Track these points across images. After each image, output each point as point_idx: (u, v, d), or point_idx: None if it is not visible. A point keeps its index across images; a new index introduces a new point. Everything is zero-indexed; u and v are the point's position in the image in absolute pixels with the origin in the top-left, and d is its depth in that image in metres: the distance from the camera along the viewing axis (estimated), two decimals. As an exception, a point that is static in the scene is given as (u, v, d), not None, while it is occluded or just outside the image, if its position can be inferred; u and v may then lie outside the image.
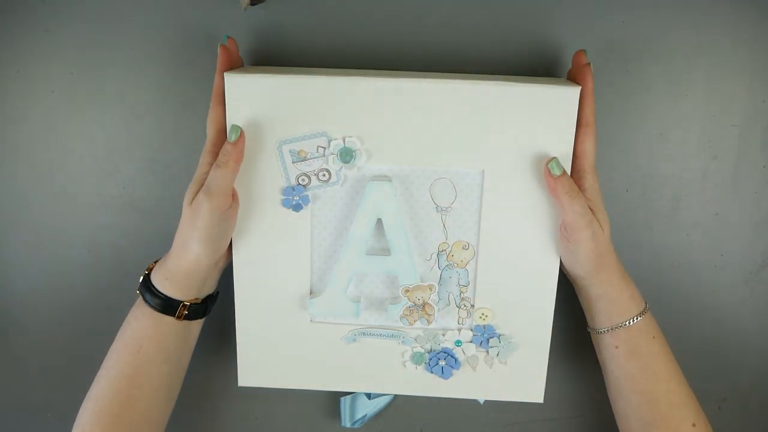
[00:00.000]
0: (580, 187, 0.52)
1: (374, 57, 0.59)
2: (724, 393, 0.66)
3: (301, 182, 0.54)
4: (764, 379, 0.65)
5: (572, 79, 0.54)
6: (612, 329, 0.54)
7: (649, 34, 0.58)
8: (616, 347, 0.55)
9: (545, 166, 0.51)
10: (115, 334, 0.56)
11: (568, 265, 0.54)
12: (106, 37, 0.59)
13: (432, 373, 0.57)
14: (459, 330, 0.57)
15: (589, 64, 0.52)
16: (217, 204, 0.50)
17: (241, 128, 0.52)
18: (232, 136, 0.51)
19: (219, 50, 0.53)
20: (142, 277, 0.56)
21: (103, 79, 0.60)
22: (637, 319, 0.54)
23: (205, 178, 0.51)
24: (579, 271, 0.53)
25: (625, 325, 0.54)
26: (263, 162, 0.53)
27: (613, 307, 0.54)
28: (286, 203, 0.54)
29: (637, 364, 0.54)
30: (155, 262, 0.56)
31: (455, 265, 0.56)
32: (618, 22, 0.58)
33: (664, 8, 0.57)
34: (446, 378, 0.57)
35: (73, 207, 0.63)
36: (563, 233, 0.52)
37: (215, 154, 0.52)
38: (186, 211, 0.52)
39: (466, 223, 0.55)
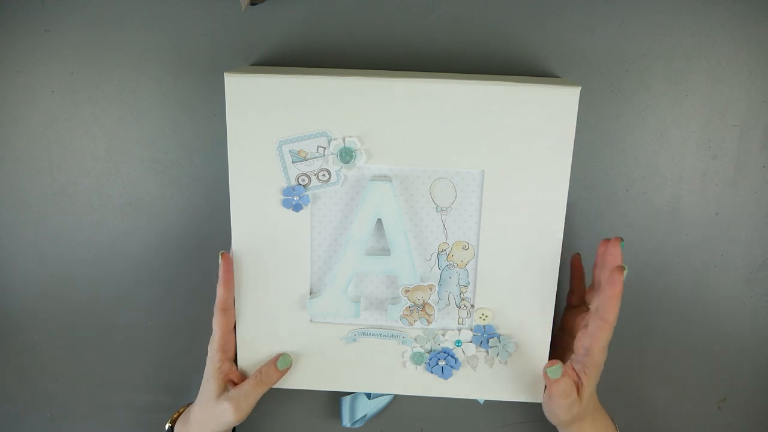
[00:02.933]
0: (587, 374, 0.52)
1: (374, 57, 0.59)
2: (724, 393, 0.66)
3: (301, 182, 0.54)
4: (764, 379, 0.65)
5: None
6: None
7: (649, 34, 0.58)
8: None
9: (544, 371, 0.52)
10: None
11: (546, 415, 0.56)
12: (106, 37, 0.59)
13: (432, 373, 0.57)
14: (459, 330, 0.57)
15: (622, 268, 0.49)
16: (245, 407, 0.56)
17: (291, 360, 0.57)
18: (281, 365, 0.57)
19: (221, 261, 0.55)
20: (167, 426, 0.61)
21: (103, 79, 0.60)
22: None
23: (218, 375, 0.56)
24: (554, 421, 0.55)
25: None
26: (263, 162, 0.53)
27: None
28: (286, 203, 0.54)
29: None
30: (180, 412, 0.61)
31: (455, 265, 0.56)
32: (618, 21, 0.58)
33: (664, 8, 0.57)
34: (446, 378, 0.57)
35: (73, 207, 0.63)
36: (546, 395, 0.54)
37: (224, 351, 0.57)
38: (206, 410, 0.57)
39: (466, 223, 0.55)
